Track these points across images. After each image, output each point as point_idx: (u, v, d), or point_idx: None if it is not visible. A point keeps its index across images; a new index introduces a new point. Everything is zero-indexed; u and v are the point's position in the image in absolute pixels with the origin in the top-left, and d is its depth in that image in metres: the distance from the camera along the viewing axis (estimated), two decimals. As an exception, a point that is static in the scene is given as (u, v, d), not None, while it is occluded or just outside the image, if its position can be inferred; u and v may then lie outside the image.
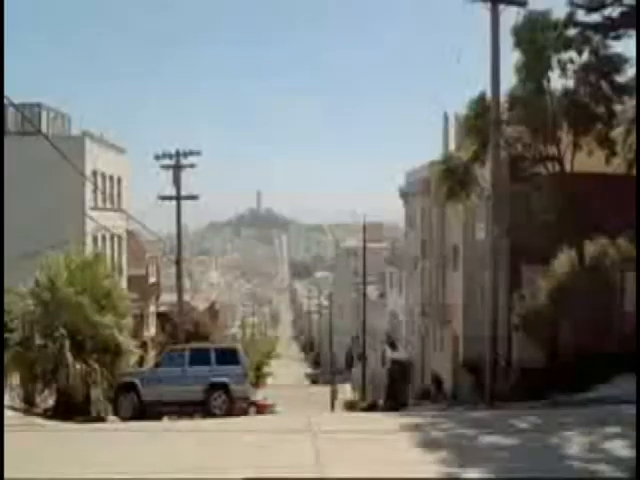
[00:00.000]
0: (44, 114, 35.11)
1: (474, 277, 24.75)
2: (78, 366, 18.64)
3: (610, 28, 17.28)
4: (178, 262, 30.80)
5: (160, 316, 44.63)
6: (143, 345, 32.76)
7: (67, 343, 18.63)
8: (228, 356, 21.46)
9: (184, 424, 16.46)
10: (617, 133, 18.34)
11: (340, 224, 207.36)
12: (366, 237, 46.90)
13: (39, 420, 17.03)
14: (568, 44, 18.00)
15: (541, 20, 17.98)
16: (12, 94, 15.57)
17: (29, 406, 18.78)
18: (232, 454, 10.12)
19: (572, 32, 17.96)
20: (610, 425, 10.84)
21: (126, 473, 8.95)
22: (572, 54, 18.15)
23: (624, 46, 17.87)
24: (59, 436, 14.08)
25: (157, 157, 29.48)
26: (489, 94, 17.30)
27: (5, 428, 12.20)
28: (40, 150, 24.96)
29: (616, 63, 17.88)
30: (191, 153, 29.55)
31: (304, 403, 34.50)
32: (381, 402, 33.94)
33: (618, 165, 18.39)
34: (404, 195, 40.08)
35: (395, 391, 34.35)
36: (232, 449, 10.73)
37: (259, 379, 38.55)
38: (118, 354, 20.36)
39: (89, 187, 33.51)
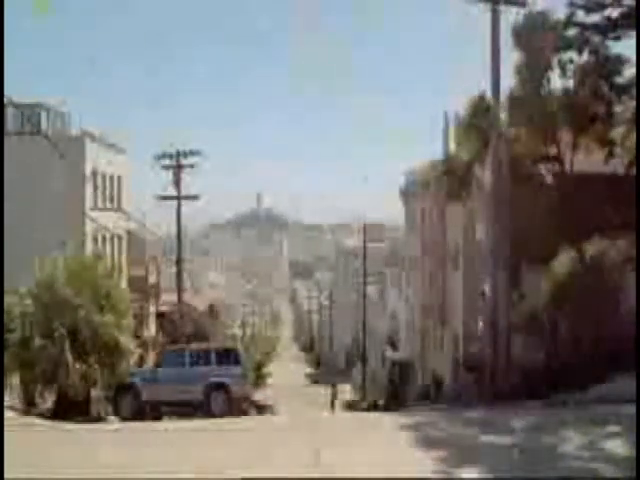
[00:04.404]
0: (44, 114, 35.13)
1: (474, 277, 24.75)
2: (78, 366, 18.65)
3: (610, 29, 17.29)
4: (178, 262, 30.83)
5: (160, 316, 44.59)
6: (143, 345, 32.76)
7: (67, 343, 18.64)
8: (228, 356, 21.49)
9: (184, 424, 16.46)
10: (617, 133, 18.34)
11: (340, 224, 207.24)
12: (366, 237, 46.88)
13: (39, 420, 17.03)
14: (568, 44, 17.99)
15: (541, 20, 17.98)
16: (12, 94, 15.58)
17: (29, 406, 18.79)
18: (231, 454, 10.13)
19: (572, 32, 17.96)
20: (610, 425, 10.85)
21: (126, 473, 8.96)
22: (572, 54, 18.15)
23: (624, 47, 17.89)
24: (59, 436, 14.09)
25: (157, 157, 29.54)
26: (489, 94, 17.31)
27: (5, 428, 12.21)
28: (40, 150, 25.02)
29: (616, 64, 17.88)
30: (191, 153, 29.60)
31: (304, 403, 34.48)
32: (381, 402, 33.91)
33: (618, 165, 18.39)
34: (404, 195, 40.07)
35: (395, 391, 34.32)
36: (231, 449, 10.74)
37: (259, 379, 38.48)
38: (118, 354, 20.36)
39: (89, 187, 33.53)
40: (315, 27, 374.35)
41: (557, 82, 18.68)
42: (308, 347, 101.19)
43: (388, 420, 14.08)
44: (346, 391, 47.48)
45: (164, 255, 47.39)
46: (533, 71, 18.21)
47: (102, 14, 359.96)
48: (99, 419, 19.39)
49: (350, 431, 12.37)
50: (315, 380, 64.05)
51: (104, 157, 36.13)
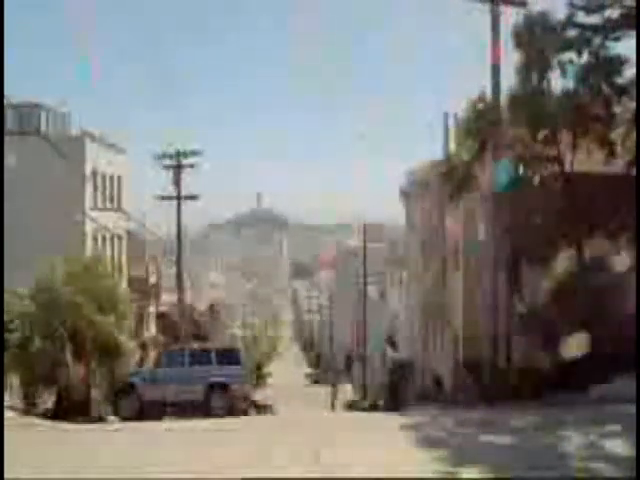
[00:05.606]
0: (44, 114, 35.17)
1: (474, 277, 24.74)
2: (78, 367, 18.68)
3: (610, 29, 17.29)
4: (178, 262, 30.83)
5: (160, 316, 44.65)
6: (143, 345, 32.81)
7: (67, 344, 18.66)
8: (228, 356, 21.50)
9: (184, 424, 16.46)
10: (617, 134, 18.33)
11: (341, 224, 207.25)
12: (366, 237, 46.91)
13: (39, 420, 17.04)
14: (568, 45, 18.00)
15: (541, 21, 17.99)
16: (12, 94, 15.58)
17: (29, 406, 18.81)
18: (231, 454, 10.13)
19: (572, 33, 17.97)
20: (610, 424, 10.85)
21: (126, 473, 8.96)
22: (572, 55, 18.15)
23: (624, 47, 17.89)
24: (59, 436, 14.10)
25: (157, 157, 29.54)
26: (489, 94, 17.28)
27: (5, 428, 12.23)
28: (40, 150, 25.02)
29: (616, 64, 17.88)
30: (192, 153, 29.61)
31: (304, 403, 34.50)
32: (381, 402, 33.93)
33: (618, 165, 18.39)
34: (404, 195, 40.06)
35: (395, 391, 34.31)
36: (231, 449, 10.75)
37: (259, 379, 38.53)
38: (118, 355, 20.39)
39: (89, 187, 33.56)
40: (315, 27, 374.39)
41: (557, 82, 18.71)
42: (308, 347, 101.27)
43: (388, 420, 14.08)
44: (346, 391, 47.52)
45: (164, 255, 47.41)
46: (533, 71, 18.21)
47: (102, 14, 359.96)
48: (99, 419, 19.40)
49: (350, 431, 12.37)
50: (315, 380, 64.09)
51: (104, 157, 36.15)
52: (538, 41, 17.89)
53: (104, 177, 36.16)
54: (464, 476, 8.20)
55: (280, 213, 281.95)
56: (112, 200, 36.93)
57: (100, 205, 35.20)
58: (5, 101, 16.53)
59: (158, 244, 45.50)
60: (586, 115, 18.07)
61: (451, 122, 28.47)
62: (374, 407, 32.51)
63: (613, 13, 17.18)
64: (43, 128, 34.36)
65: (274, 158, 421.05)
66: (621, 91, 17.96)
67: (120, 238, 38.06)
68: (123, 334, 20.54)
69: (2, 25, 16.28)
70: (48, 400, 19.53)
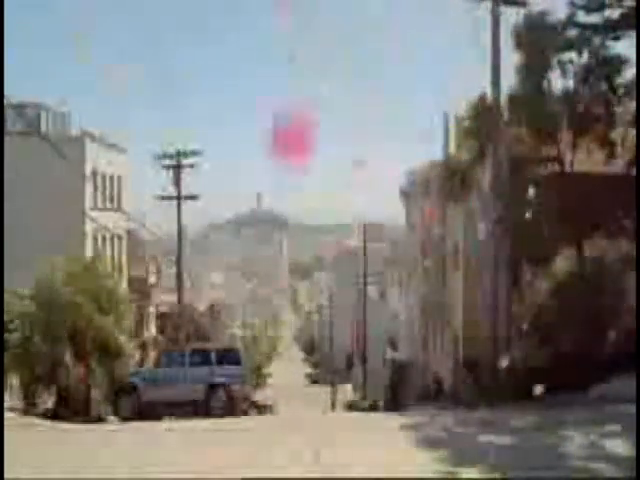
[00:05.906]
0: (44, 114, 35.17)
1: (474, 277, 24.74)
2: (78, 367, 18.67)
3: (610, 29, 17.29)
4: (178, 262, 30.82)
5: (160, 316, 44.65)
6: (143, 345, 32.81)
7: (67, 344, 18.66)
8: (228, 356, 21.50)
9: (184, 424, 16.46)
10: (617, 134, 18.34)
11: (341, 224, 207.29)
12: (366, 237, 46.92)
13: (39, 420, 17.04)
14: (568, 45, 18.01)
15: (541, 21, 18.00)
16: (12, 94, 15.58)
17: (29, 406, 18.80)
18: (231, 454, 10.13)
19: (572, 33, 17.98)
20: (610, 424, 10.85)
21: (125, 473, 8.96)
22: (572, 55, 18.16)
23: (624, 47, 17.89)
24: (59, 436, 14.10)
25: (157, 157, 29.50)
26: (489, 94, 17.29)
27: (5, 428, 12.23)
28: (40, 150, 25.00)
29: (616, 64, 17.89)
30: (192, 153, 29.58)
31: (304, 403, 34.51)
32: (381, 402, 33.94)
33: (618, 165, 18.39)
34: (404, 195, 40.07)
35: (395, 391, 34.31)
36: (231, 449, 10.74)
37: (259, 379, 38.52)
38: (118, 355, 20.38)
39: (89, 187, 33.56)
40: (315, 27, 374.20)
41: (557, 82, 18.71)
42: (308, 347, 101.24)
43: (388, 420, 14.07)
44: (346, 391, 47.54)
45: (164, 255, 47.40)
46: (533, 71, 18.21)
47: (102, 14, 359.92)
48: (99, 419, 19.40)
49: (350, 431, 12.37)
50: (315, 380, 64.12)
51: (104, 157, 36.14)
52: (538, 41, 17.88)
53: (104, 177, 36.14)
54: (464, 476, 8.19)
55: (280, 213, 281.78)
56: (112, 200, 36.91)
57: (100, 205, 35.18)
58: (5, 101, 16.52)
59: (158, 244, 45.48)
60: (586, 115, 18.08)
61: (451, 122, 28.49)
62: (374, 407, 32.51)
63: (613, 13, 17.20)
64: (43, 128, 34.37)
65: (274, 158, 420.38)
66: (621, 91, 17.96)
67: (120, 238, 38.05)
68: (123, 334, 20.52)
69: (2, 25, 16.28)
70: (48, 400, 19.51)
